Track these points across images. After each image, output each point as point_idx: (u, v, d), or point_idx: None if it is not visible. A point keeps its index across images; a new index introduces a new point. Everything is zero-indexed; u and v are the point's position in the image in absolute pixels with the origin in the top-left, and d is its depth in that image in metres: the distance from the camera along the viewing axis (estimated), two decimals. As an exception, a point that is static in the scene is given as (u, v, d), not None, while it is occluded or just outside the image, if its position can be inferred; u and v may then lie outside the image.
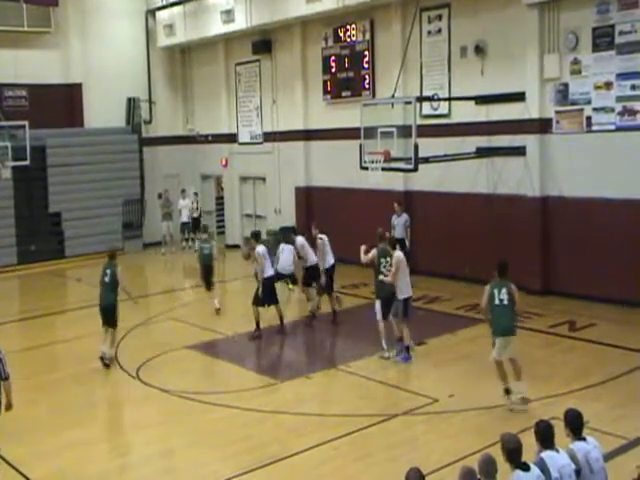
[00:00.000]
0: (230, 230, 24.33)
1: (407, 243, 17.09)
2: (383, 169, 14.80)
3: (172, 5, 24.01)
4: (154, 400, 10.90)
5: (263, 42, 21.97)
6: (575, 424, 6.00)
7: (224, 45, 23.79)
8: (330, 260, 14.33)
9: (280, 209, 22.31)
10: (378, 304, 12.07)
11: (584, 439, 5.97)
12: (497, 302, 9.62)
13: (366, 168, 15.10)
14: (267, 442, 9.10)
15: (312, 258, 14.31)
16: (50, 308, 15.73)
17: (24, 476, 8.51)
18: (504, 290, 9.62)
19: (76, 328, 14.71)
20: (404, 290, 11.70)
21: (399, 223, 17.10)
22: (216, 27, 22.32)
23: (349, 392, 10.68)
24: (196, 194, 24.26)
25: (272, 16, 20.35)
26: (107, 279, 12.35)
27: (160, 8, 24.65)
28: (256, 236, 13.95)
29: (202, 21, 22.87)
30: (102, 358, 12.13)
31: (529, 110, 15.37)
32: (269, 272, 13.48)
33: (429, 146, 15.08)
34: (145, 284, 18.95)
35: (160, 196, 24.07)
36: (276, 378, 11.47)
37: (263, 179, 23.10)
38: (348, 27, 19.46)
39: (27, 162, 20.51)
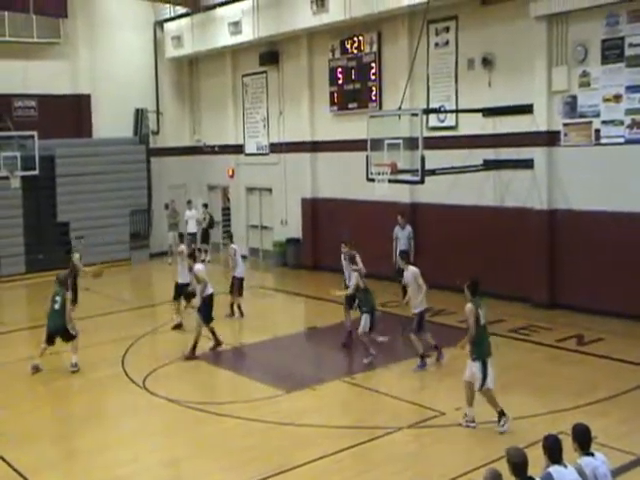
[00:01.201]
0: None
1: (411, 255, 17.08)
2: (389, 181, 14.84)
3: (180, 17, 24.20)
4: (160, 410, 10.90)
5: (270, 53, 22.09)
6: (583, 439, 5.94)
7: (231, 56, 23.92)
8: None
9: (286, 220, 22.34)
10: (366, 318, 12.13)
11: (592, 454, 5.91)
12: (482, 322, 9.38)
13: (372, 180, 15.14)
14: (271, 453, 9.07)
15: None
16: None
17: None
18: (484, 310, 9.44)
19: (83, 337, 14.67)
20: (421, 303, 11.81)
21: (403, 235, 16.99)
22: (223, 39, 22.46)
23: (354, 404, 10.63)
24: (205, 205, 24.29)
25: (279, 28, 20.46)
26: (57, 306, 12.44)
27: (168, 20, 24.86)
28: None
29: (210, 33, 23.02)
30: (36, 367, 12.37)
31: (537, 122, 15.37)
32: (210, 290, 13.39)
33: (436, 158, 15.09)
34: (152, 294, 19.00)
35: (167, 206, 24.12)
36: (281, 389, 11.42)
37: (269, 190, 23.14)
38: (355, 39, 19.53)
39: (36, 172, 20.68)
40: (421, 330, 11.92)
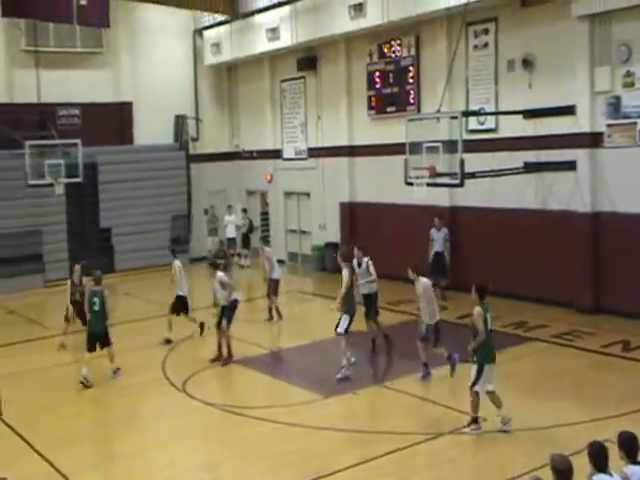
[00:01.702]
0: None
1: (447, 257, 17.10)
2: (428, 184, 14.70)
3: (219, 24, 24.43)
4: (199, 413, 10.97)
5: (308, 59, 22.14)
6: (630, 447, 5.76)
7: (269, 62, 24.03)
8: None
9: (324, 224, 22.34)
10: (345, 319, 11.97)
11: (639, 463, 5.74)
12: (489, 327, 9.44)
13: (411, 184, 15.03)
14: (310, 458, 9.05)
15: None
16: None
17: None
18: (489, 314, 9.48)
19: (124, 341, 14.83)
20: (433, 316, 11.61)
21: (439, 237, 17.17)
22: (262, 45, 22.57)
23: (394, 409, 10.54)
24: (245, 210, 24.43)
25: (317, 33, 20.49)
26: (96, 307, 12.37)
27: (207, 27, 25.11)
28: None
29: (248, 39, 23.18)
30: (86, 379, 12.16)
31: (580, 124, 15.09)
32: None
33: (475, 161, 14.95)
34: (191, 298, 19.10)
35: (206, 212, 24.33)
36: (319, 393, 11.39)
37: (307, 194, 23.18)
38: (393, 43, 19.47)
39: (79, 179, 20.99)
40: (437, 342, 11.64)
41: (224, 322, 13.08)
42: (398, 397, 11.00)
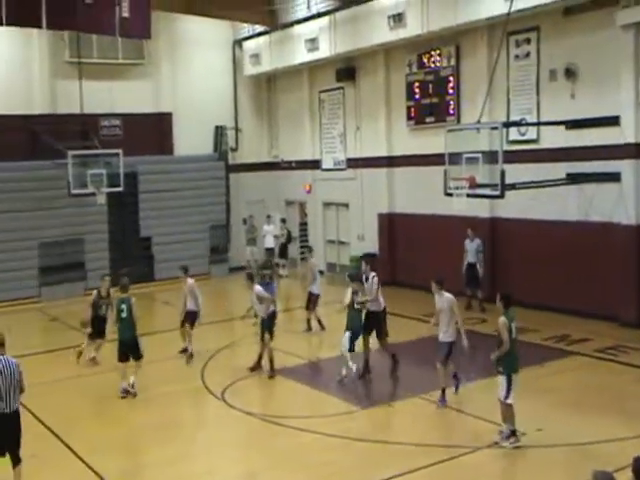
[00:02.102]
0: (314, 256, 24.35)
1: (479, 268, 17.09)
2: (468, 195, 14.59)
3: (258, 35, 24.60)
4: (238, 422, 11.02)
5: (347, 69, 22.19)
6: None
7: (308, 73, 24.15)
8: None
9: (363, 235, 22.30)
10: (347, 335, 12.31)
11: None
12: (514, 336, 9.36)
13: (450, 194, 14.93)
14: (349, 469, 9.03)
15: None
16: (139, 329, 16.03)
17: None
18: (515, 323, 9.40)
19: (163, 349, 15.01)
20: (452, 334, 10.99)
21: (472, 248, 17.22)
22: (301, 55, 22.67)
23: (431, 422, 10.44)
24: (283, 220, 24.52)
25: (356, 44, 20.51)
26: (124, 314, 12.24)
27: (247, 38, 25.31)
28: None
29: (287, 50, 23.31)
30: (127, 391, 12.10)
31: (624, 134, 14.84)
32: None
33: (516, 172, 14.78)
34: (230, 307, 19.24)
35: (245, 221, 24.47)
36: (357, 405, 11.35)
37: (346, 205, 23.17)
38: (432, 53, 19.42)
39: (121, 188, 21.19)
40: (448, 361, 11.14)
41: (266, 335, 13.02)
42: (436, 410, 10.90)
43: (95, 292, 14.35)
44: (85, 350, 14.13)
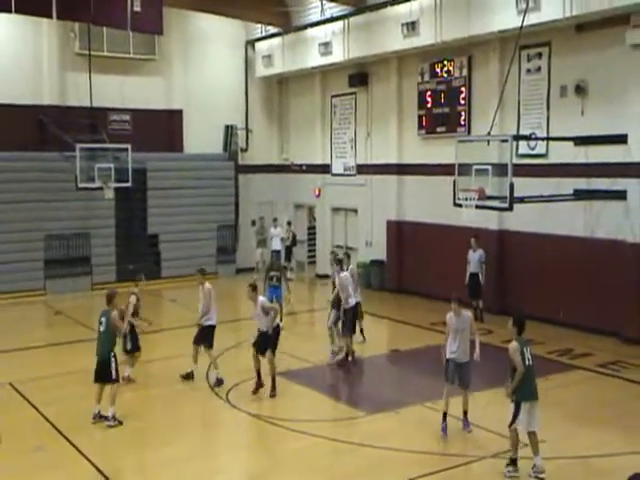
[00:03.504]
0: (321, 260, 24.54)
1: (481, 278, 17.20)
2: (477, 207, 14.71)
3: (271, 36, 24.66)
4: (242, 424, 11.15)
5: (359, 75, 22.28)
6: None
7: (321, 77, 24.24)
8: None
9: (371, 242, 22.40)
10: (334, 312, 13.80)
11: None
12: (527, 362, 8.77)
13: (459, 205, 15.05)
14: (350, 474, 9.15)
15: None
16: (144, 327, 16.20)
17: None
18: (529, 348, 8.89)
19: (168, 348, 15.13)
20: (466, 353, 10.45)
21: (474, 258, 17.26)
22: (313, 59, 22.74)
23: (435, 429, 10.56)
24: (289, 223, 24.59)
25: (369, 50, 20.58)
26: (101, 328, 10.88)
27: (260, 39, 25.37)
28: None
29: (300, 53, 23.38)
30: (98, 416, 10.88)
31: (631, 153, 14.99)
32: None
33: (525, 186, 14.90)
34: (236, 309, 19.33)
35: (254, 223, 24.53)
36: (362, 410, 11.49)
37: (355, 211, 23.28)
38: (445, 62, 19.54)
39: (129, 184, 21.20)
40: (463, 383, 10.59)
41: (268, 353, 12.03)
42: (440, 417, 11.03)
43: (133, 297, 12.83)
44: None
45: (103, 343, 10.87)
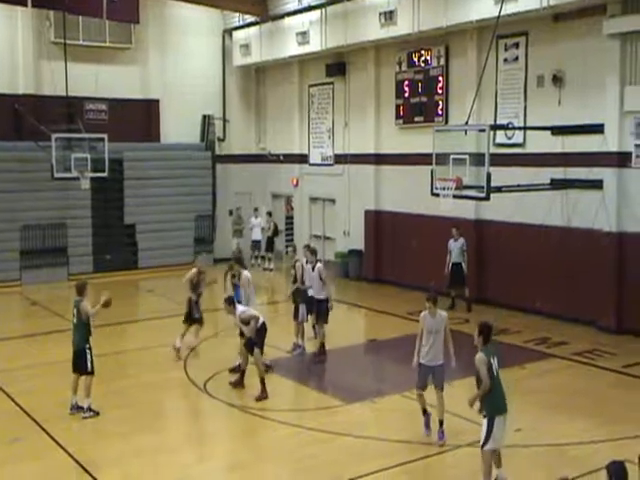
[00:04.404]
0: (299, 251, 24.41)
1: (464, 267, 17.24)
2: (454, 196, 14.75)
3: (249, 25, 24.51)
4: (220, 414, 11.13)
5: (337, 65, 22.25)
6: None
7: (298, 66, 24.16)
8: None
9: (349, 231, 22.42)
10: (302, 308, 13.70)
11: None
12: (495, 373, 8.10)
13: (437, 194, 15.08)
14: (327, 463, 9.17)
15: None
16: (121, 317, 16.09)
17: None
18: (496, 358, 8.18)
19: (145, 338, 15.06)
20: (439, 356, 9.98)
21: (455, 247, 17.30)
22: (291, 48, 22.63)
23: (413, 419, 10.59)
24: (269, 214, 24.55)
25: (346, 39, 20.51)
26: (75, 320, 10.84)
27: (237, 28, 25.20)
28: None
29: (277, 42, 23.28)
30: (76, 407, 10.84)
31: (607, 143, 15.10)
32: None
33: (502, 175, 14.99)
34: (214, 298, 19.25)
35: (231, 213, 24.49)
36: (340, 400, 11.50)
37: (333, 201, 23.28)
38: (423, 52, 19.54)
39: (105, 174, 21.09)
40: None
41: (256, 351, 11.69)
42: (417, 407, 11.07)
43: (194, 270, 13.96)
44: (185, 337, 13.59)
45: (76, 334, 10.81)
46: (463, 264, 17.23)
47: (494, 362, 8.14)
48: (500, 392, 8.16)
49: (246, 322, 11.71)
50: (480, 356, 8.10)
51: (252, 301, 13.02)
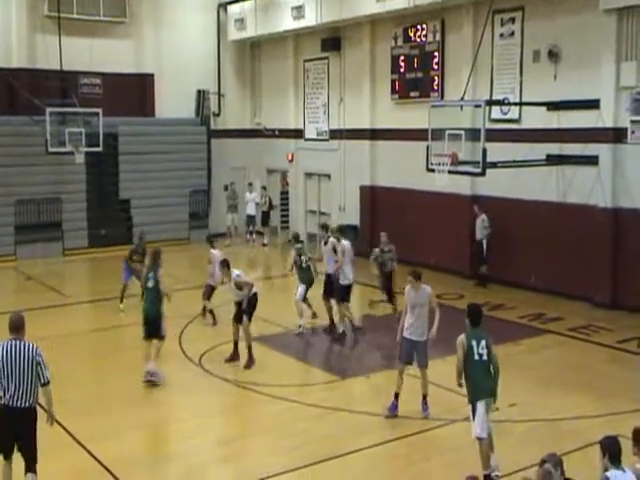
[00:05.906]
0: (294, 225, 24.50)
1: (484, 244, 16.98)
2: (450, 172, 14.75)
3: (244, -1, 24.29)
4: (215, 389, 11.19)
5: (332, 40, 22.10)
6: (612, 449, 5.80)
7: (293, 41, 23.99)
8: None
9: (344, 207, 22.40)
10: (302, 288, 13.65)
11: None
12: (477, 357, 7.90)
13: (432, 170, 15.08)
14: (323, 438, 9.23)
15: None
16: (116, 292, 16.09)
17: (90, 454, 8.84)
18: (483, 343, 7.95)
19: (140, 312, 15.03)
20: (424, 332, 9.92)
21: (477, 225, 17.07)
22: (286, 23, 22.47)
23: (410, 394, 10.64)
24: (264, 188, 24.50)
25: (342, 14, 20.37)
26: (150, 284, 11.26)
27: (232, 2, 24.96)
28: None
29: (273, 16, 23.08)
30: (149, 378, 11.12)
31: (603, 118, 15.07)
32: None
33: (497, 151, 14.99)
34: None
35: (226, 188, 24.43)
36: (337, 375, 11.58)
37: (328, 176, 23.22)
38: (418, 27, 19.41)
39: (100, 148, 21.04)
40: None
41: (244, 319, 11.90)
42: (413, 382, 11.12)
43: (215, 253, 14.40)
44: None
45: (149, 301, 11.24)
46: (483, 241, 16.92)
47: (477, 346, 7.93)
48: (481, 377, 7.95)
49: (239, 287, 11.87)
50: (460, 338, 8.02)
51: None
